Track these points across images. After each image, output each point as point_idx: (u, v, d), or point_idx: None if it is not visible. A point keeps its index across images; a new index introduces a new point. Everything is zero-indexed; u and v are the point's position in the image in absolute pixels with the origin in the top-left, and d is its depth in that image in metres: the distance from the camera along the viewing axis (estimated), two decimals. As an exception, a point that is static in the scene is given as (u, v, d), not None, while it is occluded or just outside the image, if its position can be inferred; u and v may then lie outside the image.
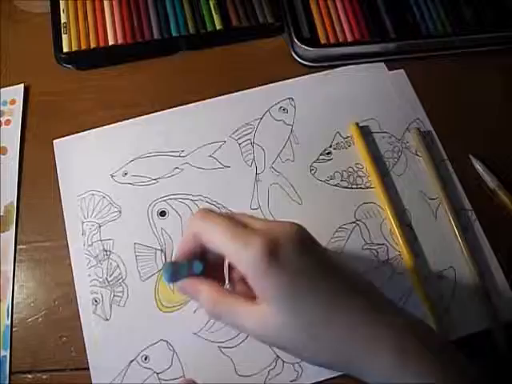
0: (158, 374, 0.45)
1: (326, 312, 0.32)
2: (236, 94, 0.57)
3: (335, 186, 0.52)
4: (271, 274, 0.31)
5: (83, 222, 0.50)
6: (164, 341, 0.46)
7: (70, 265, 0.49)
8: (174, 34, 0.60)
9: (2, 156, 0.54)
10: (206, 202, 0.51)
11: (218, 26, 0.61)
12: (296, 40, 0.59)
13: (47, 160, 0.54)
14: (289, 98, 0.56)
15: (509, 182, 0.52)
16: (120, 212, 0.50)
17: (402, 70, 0.58)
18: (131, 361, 0.45)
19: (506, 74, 0.60)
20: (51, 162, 0.54)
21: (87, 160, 0.53)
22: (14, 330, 0.47)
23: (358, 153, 0.53)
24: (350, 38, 0.60)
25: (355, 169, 0.53)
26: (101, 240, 0.49)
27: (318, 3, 0.62)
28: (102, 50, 0.59)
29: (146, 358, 0.45)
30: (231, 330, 0.45)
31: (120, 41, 0.59)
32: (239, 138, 0.54)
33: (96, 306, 0.47)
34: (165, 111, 0.56)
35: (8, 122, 0.56)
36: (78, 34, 0.59)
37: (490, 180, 0.52)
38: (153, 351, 0.45)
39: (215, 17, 0.61)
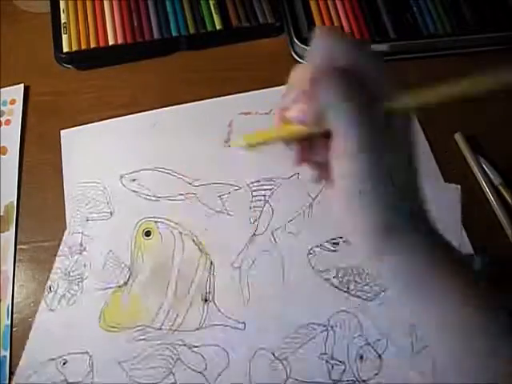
0: (67, 382, 0.44)
1: None
2: (243, 94, 0.56)
3: (325, 280, 0.48)
4: None
5: (77, 210, 0.51)
6: (89, 355, 0.45)
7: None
8: (174, 33, 0.59)
9: (2, 156, 0.54)
10: (193, 240, 0.49)
11: (218, 26, 0.59)
12: (296, 40, 0.57)
13: (47, 160, 0.54)
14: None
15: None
16: (111, 214, 0.50)
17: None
18: (51, 359, 0.45)
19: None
20: (51, 161, 0.54)
21: (98, 151, 0.54)
22: (13, 329, 0.47)
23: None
24: (349, 38, 0.56)
25: (354, 272, 0.48)
26: (82, 233, 0.49)
27: (318, 3, 0.59)
28: (102, 50, 0.59)
29: (64, 363, 0.45)
30: (152, 375, 0.44)
31: (120, 41, 0.59)
32: (255, 191, 0.51)
33: (48, 293, 0.47)
34: (173, 107, 0.56)
35: (8, 121, 0.56)
36: (78, 34, 0.59)
37: (493, 178, 0.50)
38: (74, 360, 0.45)
39: (215, 17, 0.60)
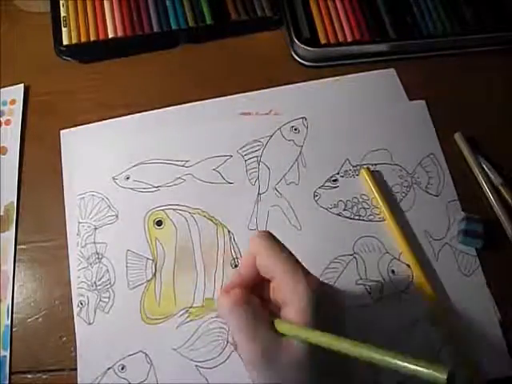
0: (132, 385, 0.44)
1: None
2: (242, 94, 0.57)
3: (337, 215, 0.50)
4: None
5: (79, 223, 0.50)
6: (143, 353, 0.45)
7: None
8: (174, 27, 0.60)
9: (2, 156, 0.54)
10: (204, 216, 0.50)
11: (217, 20, 0.61)
12: (296, 40, 0.58)
13: (47, 160, 0.54)
14: (302, 118, 0.55)
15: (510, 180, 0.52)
16: (117, 216, 0.50)
17: (423, 101, 0.56)
18: (108, 368, 0.45)
19: (506, 74, 0.59)
20: (51, 161, 0.54)
21: (92, 156, 0.53)
22: (14, 329, 0.47)
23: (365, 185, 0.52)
24: (349, 38, 0.59)
25: (360, 199, 0.51)
26: (94, 242, 0.49)
27: (318, 3, 0.61)
28: (102, 43, 0.59)
29: (122, 368, 0.45)
30: (211, 350, 0.45)
31: (120, 34, 0.59)
32: (246, 155, 0.53)
33: (81, 308, 0.47)
34: (170, 108, 0.56)
35: (8, 121, 0.56)
36: (77, 27, 0.60)
37: (494, 178, 0.52)
38: (130, 362, 0.45)
39: (214, 10, 0.61)
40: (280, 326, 0.33)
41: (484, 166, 0.52)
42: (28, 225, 0.51)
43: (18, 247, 0.50)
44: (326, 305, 0.34)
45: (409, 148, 0.53)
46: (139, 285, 0.47)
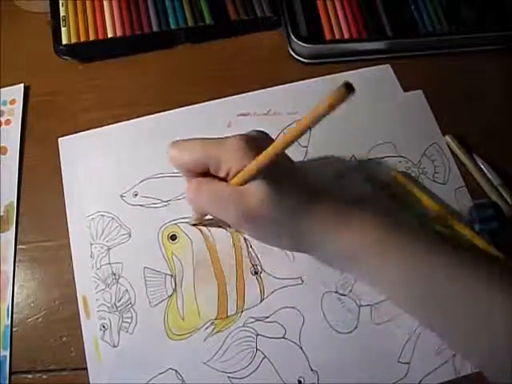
0: (165, 403, 0.44)
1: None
2: (240, 95, 0.57)
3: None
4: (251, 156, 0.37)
5: (92, 244, 0.49)
6: (173, 369, 0.45)
7: (70, 265, 0.48)
8: (173, 26, 0.60)
9: (2, 156, 0.54)
10: (218, 225, 0.49)
11: (217, 20, 0.61)
12: (293, 37, 0.59)
13: (47, 160, 0.54)
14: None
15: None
16: (129, 235, 0.49)
17: (420, 91, 0.56)
18: (139, 389, 0.44)
19: (506, 74, 0.60)
20: (51, 161, 0.53)
21: (95, 170, 0.53)
22: (14, 329, 0.47)
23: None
24: (347, 36, 0.59)
25: (373, 194, 0.51)
26: (109, 263, 0.48)
27: (316, 0, 0.61)
28: (101, 43, 0.59)
29: (154, 388, 0.44)
30: (241, 359, 0.45)
31: (119, 33, 0.59)
32: (252, 160, 0.52)
33: (104, 332, 0.46)
34: (169, 111, 0.56)
35: (8, 121, 0.56)
36: (76, 26, 0.59)
37: (493, 178, 0.52)
38: (161, 380, 0.44)
39: (213, 10, 0.61)
40: (234, 180, 0.38)
41: (483, 167, 0.53)
42: (28, 225, 0.51)
43: (18, 247, 0.50)
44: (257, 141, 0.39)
45: (412, 139, 0.54)
46: (161, 301, 0.47)
